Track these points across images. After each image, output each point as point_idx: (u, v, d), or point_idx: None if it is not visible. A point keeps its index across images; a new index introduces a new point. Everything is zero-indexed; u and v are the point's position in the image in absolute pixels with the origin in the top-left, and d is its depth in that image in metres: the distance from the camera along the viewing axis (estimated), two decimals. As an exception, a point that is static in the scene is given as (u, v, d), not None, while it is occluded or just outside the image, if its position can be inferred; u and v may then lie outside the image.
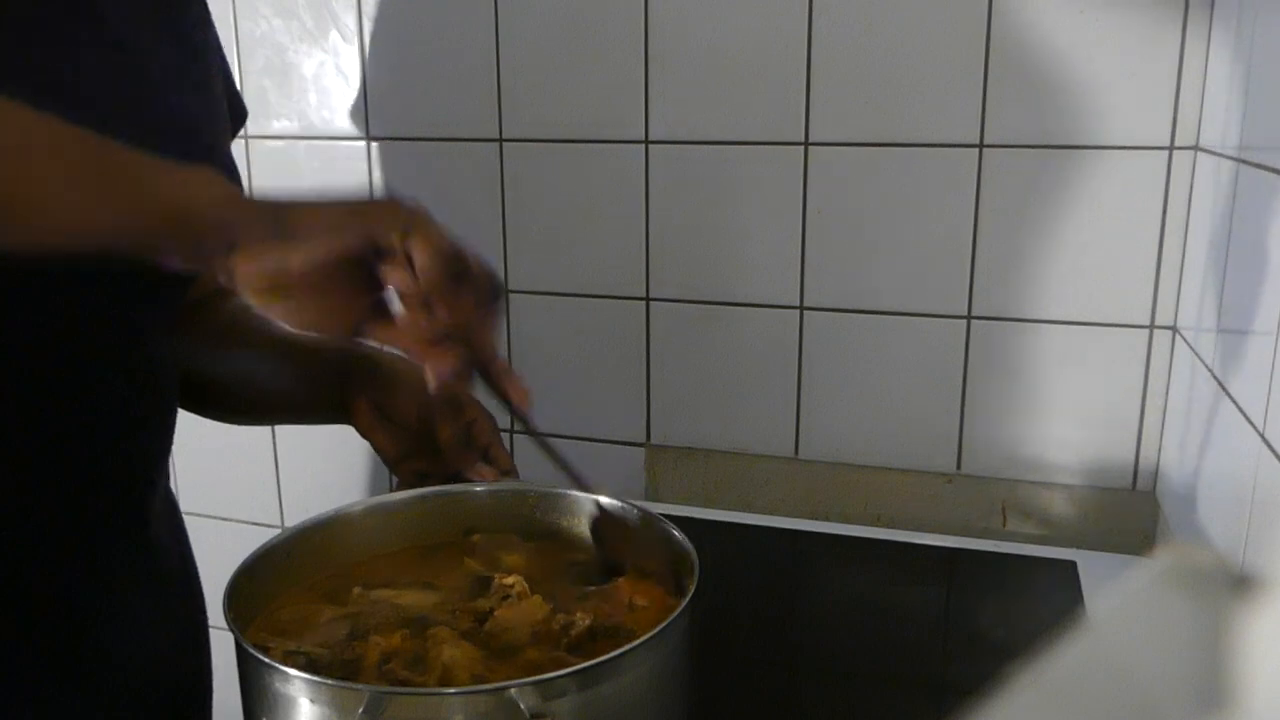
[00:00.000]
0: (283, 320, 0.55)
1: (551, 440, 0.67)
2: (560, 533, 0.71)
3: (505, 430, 1.20)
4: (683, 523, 0.65)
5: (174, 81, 0.65)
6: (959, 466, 1.07)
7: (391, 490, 0.74)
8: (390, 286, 0.56)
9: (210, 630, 0.76)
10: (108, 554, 0.65)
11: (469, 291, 0.57)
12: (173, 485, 0.76)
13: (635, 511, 0.68)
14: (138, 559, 0.68)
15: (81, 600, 0.63)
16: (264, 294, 0.53)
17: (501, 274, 1.17)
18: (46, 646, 0.61)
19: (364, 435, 0.77)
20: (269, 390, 0.83)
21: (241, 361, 0.82)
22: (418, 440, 0.76)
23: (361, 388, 0.77)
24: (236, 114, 0.77)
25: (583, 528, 0.71)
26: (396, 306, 0.57)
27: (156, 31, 0.64)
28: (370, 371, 0.77)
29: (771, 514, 1.12)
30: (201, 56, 0.70)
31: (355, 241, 0.54)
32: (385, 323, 0.57)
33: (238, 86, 0.81)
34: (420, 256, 0.55)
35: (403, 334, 0.58)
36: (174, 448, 0.72)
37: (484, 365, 0.60)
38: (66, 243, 0.50)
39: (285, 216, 0.53)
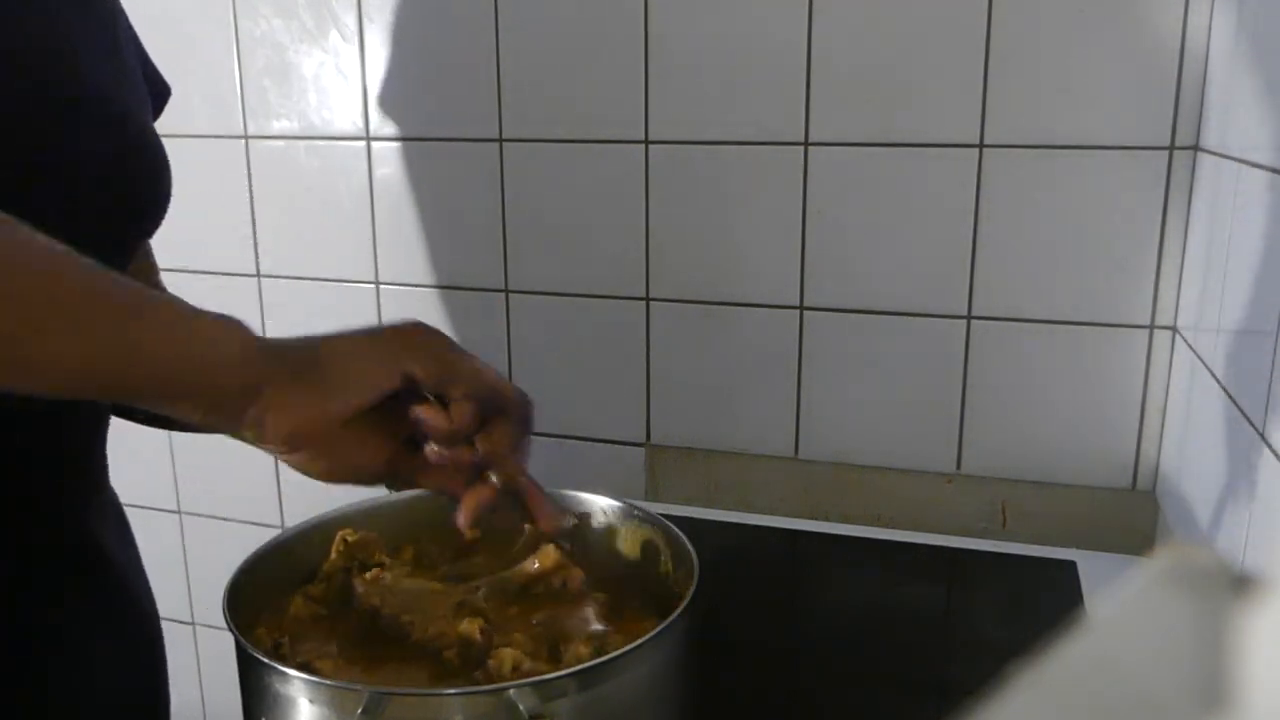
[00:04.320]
0: (307, 471, 0.54)
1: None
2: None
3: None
4: (683, 523, 0.65)
5: (84, 47, 0.62)
6: (959, 466, 1.07)
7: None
8: (422, 426, 0.55)
9: (165, 638, 0.74)
10: (42, 555, 0.61)
11: (503, 424, 0.57)
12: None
13: (635, 512, 0.68)
14: (78, 560, 0.65)
15: (20, 614, 0.59)
16: (293, 446, 0.52)
17: (501, 276, 1.17)
18: None
19: None
20: None
21: None
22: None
23: None
24: (156, 91, 0.73)
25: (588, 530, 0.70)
26: (429, 445, 0.57)
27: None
28: None
29: (771, 514, 1.12)
30: (108, 26, 0.67)
31: (391, 386, 0.53)
32: (419, 465, 0.57)
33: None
34: (456, 395, 0.54)
35: (438, 477, 0.58)
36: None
37: (517, 491, 0.60)
38: (69, 389, 0.47)
39: (313, 365, 0.52)
